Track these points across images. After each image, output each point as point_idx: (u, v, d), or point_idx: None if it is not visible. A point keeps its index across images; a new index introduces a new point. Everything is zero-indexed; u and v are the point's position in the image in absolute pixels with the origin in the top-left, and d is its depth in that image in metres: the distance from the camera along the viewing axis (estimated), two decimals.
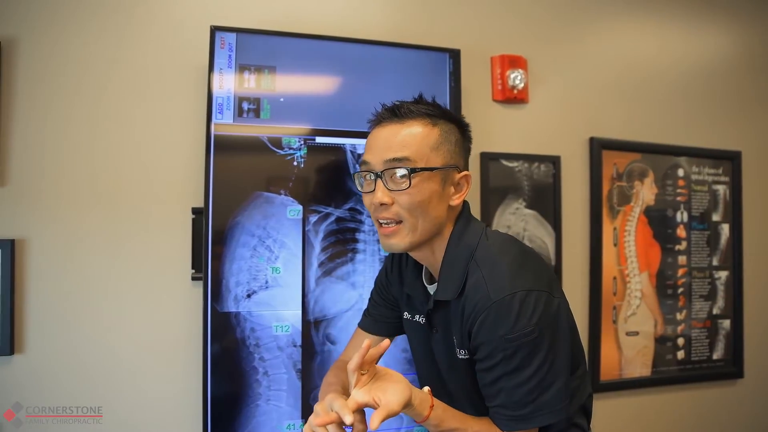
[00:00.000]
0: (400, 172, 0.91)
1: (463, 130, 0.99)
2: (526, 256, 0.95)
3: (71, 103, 1.29)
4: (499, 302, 0.85)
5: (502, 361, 0.86)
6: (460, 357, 0.95)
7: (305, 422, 1.26)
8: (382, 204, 0.92)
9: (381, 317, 1.15)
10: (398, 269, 1.13)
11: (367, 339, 0.87)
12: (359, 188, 0.99)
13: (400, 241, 0.94)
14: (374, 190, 0.93)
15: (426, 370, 1.10)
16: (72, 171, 1.29)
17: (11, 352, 1.23)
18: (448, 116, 0.98)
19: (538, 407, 0.86)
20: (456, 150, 0.96)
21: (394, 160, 0.91)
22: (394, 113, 0.95)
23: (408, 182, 0.90)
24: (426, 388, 0.89)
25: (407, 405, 0.83)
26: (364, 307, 1.21)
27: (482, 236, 0.96)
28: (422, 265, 1.05)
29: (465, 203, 1.01)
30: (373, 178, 0.94)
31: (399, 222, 0.93)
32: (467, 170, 0.98)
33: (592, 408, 1.04)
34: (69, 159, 1.29)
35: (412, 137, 0.92)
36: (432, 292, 1.01)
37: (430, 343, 1.04)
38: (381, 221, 0.95)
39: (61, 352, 1.26)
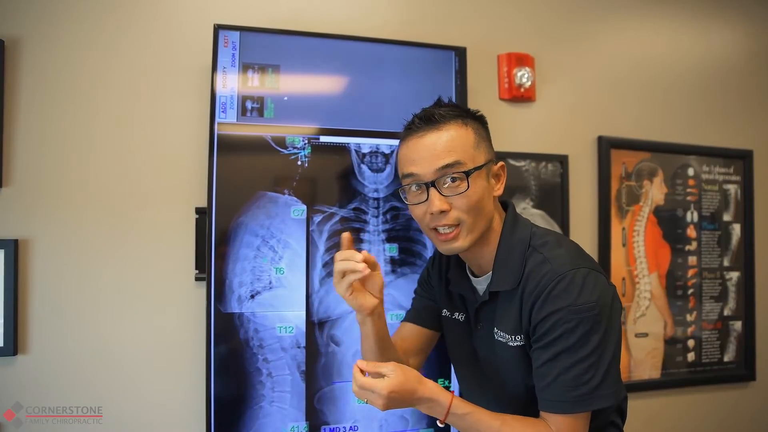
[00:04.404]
0: (456, 176, 0.93)
1: (484, 123, 1.02)
2: (580, 247, 0.99)
3: (74, 103, 1.29)
4: (565, 275, 0.88)
5: (563, 335, 0.86)
6: (513, 345, 0.94)
7: (309, 424, 1.27)
8: (442, 212, 0.93)
9: (424, 308, 1.16)
10: (438, 270, 1.14)
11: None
12: (405, 201, 1.00)
13: (462, 243, 0.95)
14: (427, 199, 0.94)
15: (467, 369, 1.10)
16: (75, 171, 1.28)
17: (15, 352, 1.22)
18: (471, 114, 1.00)
19: (592, 389, 0.85)
20: (489, 144, 1.00)
21: (446, 166, 0.93)
22: (430, 120, 0.95)
23: (466, 184, 0.92)
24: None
25: (402, 393, 0.86)
26: None
27: (533, 229, 0.99)
28: (464, 262, 1.06)
29: (510, 203, 1.04)
30: (422, 188, 0.95)
31: (458, 225, 0.94)
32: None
33: (626, 409, 1.03)
34: (72, 159, 1.28)
35: (454, 141, 0.94)
36: (478, 286, 1.03)
37: (471, 340, 1.05)
38: (439, 228, 0.95)
39: (62, 352, 1.25)
